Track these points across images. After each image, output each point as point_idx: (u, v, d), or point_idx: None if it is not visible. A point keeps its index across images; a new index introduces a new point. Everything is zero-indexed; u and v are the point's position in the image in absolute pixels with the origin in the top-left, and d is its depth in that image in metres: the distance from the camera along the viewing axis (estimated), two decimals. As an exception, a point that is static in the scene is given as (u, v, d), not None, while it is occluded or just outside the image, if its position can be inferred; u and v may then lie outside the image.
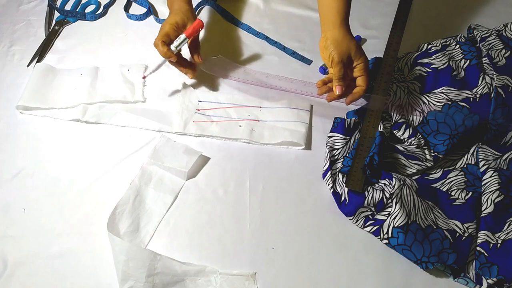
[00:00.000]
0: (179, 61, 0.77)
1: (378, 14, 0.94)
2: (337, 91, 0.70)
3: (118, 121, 0.77)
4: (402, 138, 0.73)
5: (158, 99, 0.80)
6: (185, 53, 0.80)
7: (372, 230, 0.66)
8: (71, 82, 0.81)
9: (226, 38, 0.90)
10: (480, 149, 0.71)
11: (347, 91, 0.71)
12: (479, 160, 0.70)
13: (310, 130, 0.77)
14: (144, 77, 0.79)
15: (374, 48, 0.88)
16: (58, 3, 0.96)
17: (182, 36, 0.75)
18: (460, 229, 0.65)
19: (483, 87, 0.74)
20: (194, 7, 0.93)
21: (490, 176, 0.68)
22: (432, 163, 0.71)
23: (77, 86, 0.80)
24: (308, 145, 0.76)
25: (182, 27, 0.76)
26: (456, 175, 0.71)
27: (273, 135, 0.76)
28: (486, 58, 0.78)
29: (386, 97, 0.74)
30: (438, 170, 0.72)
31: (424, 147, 0.72)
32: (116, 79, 0.81)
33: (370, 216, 0.67)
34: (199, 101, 0.80)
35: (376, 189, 0.68)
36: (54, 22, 0.92)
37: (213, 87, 0.82)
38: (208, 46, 0.86)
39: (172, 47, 0.75)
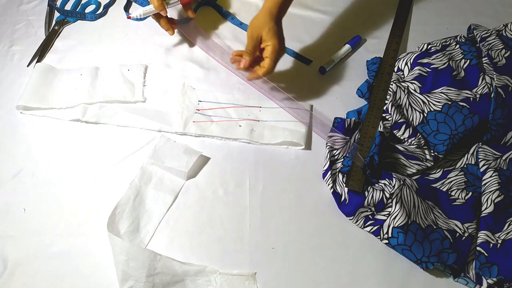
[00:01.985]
0: (167, 19, 0.82)
1: (378, 14, 0.94)
2: (241, 63, 0.75)
3: (118, 121, 0.77)
4: (402, 138, 0.73)
5: (158, 99, 0.80)
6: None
7: (372, 230, 0.66)
8: (71, 82, 0.81)
9: (226, 38, 0.90)
10: (480, 149, 0.71)
11: (254, 67, 0.75)
12: (479, 160, 0.70)
13: (310, 130, 0.77)
14: (129, 17, 0.79)
15: (374, 48, 0.88)
16: (58, 3, 0.96)
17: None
18: (460, 229, 0.65)
19: (483, 87, 0.74)
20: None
21: (490, 176, 0.68)
22: (432, 163, 0.71)
23: (77, 86, 0.80)
24: (308, 145, 0.76)
25: None
26: (456, 175, 0.71)
27: (273, 135, 0.76)
28: (486, 58, 0.78)
29: (363, 159, 0.70)
30: (438, 170, 0.72)
31: (424, 147, 0.72)
32: (116, 79, 0.81)
33: (370, 216, 0.67)
34: (199, 101, 0.80)
35: (376, 189, 0.68)
36: (54, 22, 0.92)
37: (213, 87, 0.82)
38: (208, 46, 0.86)
39: (164, 3, 0.78)
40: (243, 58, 0.74)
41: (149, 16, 0.80)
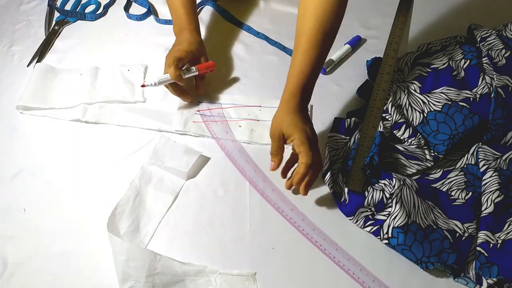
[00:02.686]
0: (181, 87, 0.77)
1: (378, 14, 0.94)
2: (270, 166, 0.70)
3: (118, 121, 0.77)
4: (402, 138, 0.73)
5: (158, 99, 0.80)
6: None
7: (372, 230, 0.66)
8: (71, 82, 0.81)
9: (226, 38, 0.90)
10: (480, 149, 0.71)
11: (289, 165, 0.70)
12: (479, 160, 0.70)
13: (310, 130, 0.77)
14: (143, 86, 0.75)
15: (374, 48, 0.88)
16: (58, 3, 0.96)
17: (194, 69, 0.76)
18: (460, 229, 0.65)
19: (483, 87, 0.74)
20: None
21: (490, 176, 0.68)
22: (432, 163, 0.71)
23: (77, 86, 0.80)
24: (308, 145, 0.76)
25: (196, 58, 0.77)
26: (456, 175, 0.71)
27: (273, 135, 0.76)
28: (486, 58, 0.78)
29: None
30: (438, 170, 0.72)
31: (424, 147, 0.72)
32: (116, 79, 0.81)
33: (370, 216, 0.67)
34: (199, 101, 0.80)
35: (376, 189, 0.68)
36: (54, 22, 0.92)
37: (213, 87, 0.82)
38: (209, 46, 0.86)
39: (182, 73, 0.74)
40: (271, 160, 0.69)
41: (164, 83, 0.74)
